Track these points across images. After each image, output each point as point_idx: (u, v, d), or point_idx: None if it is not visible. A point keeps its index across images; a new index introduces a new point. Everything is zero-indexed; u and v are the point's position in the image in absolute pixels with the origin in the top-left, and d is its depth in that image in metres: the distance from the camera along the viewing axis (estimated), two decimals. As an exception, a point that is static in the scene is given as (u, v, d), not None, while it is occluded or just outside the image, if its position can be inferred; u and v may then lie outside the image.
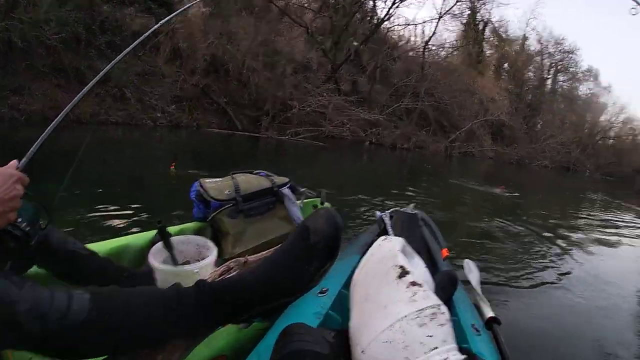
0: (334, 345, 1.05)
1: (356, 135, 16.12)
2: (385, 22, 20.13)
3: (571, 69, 36.57)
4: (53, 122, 1.28)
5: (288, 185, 2.51)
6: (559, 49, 34.46)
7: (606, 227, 8.11)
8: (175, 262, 1.63)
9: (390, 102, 19.39)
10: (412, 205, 2.85)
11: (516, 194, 10.09)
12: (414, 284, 1.10)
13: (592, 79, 39.02)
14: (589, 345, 2.87)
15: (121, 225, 3.47)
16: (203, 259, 1.68)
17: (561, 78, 37.15)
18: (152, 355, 0.97)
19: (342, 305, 1.34)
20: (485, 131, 23.85)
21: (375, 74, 19.23)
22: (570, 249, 5.52)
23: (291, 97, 14.66)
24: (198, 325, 1.01)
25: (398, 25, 22.34)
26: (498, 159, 23.45)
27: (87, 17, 10.85)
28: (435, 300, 1.06)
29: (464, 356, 0.97)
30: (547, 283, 3.97)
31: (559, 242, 5.90)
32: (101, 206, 3.85)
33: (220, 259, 1.94)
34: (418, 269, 1.39)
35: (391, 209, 2.55)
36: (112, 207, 3.87)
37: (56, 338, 0.86)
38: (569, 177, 26.84)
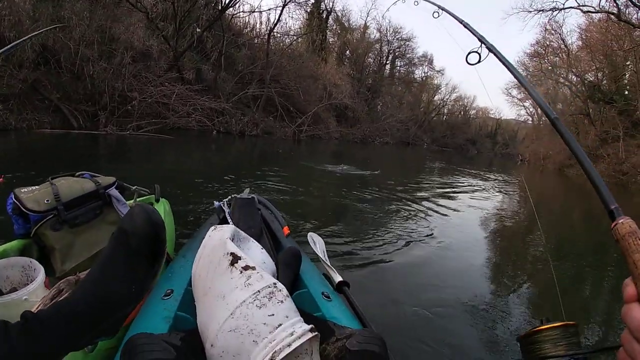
0: (183, 347, 1.02)
1: (203, 125, 15.87)
2: (230, 9, 20.01)
3: (408, 55, 40.23)
4: None
5: (115, 185, 2.28)
6: (397, 37, 37.62)
7: (445, 189, 9.58)
8: None
9: (236, 89, 19.44)
10: (247, 190, 2.84)
11: (362, 170, 11.02)
12: (246, 268, 1.11)
13: (427, 63, 43.35)
14: (434, 297, 3.16)
15: None
16: (32, 281, 1.54)
17: (399, 63, 40.66)
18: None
19: (190, 303, 1.28)
20: (330, 114, 25.25)
21: (220, 61, 19.06)
22: (414, 212, 6.27)
23: (131, 88, 13.73)
24: None
25: (243, 12, 22.31)
26: (343, 139, 25.22)
27: None
28: (269, 279, 1.08)
29: (310, 326, 1.00)
30: (392, 244, 4.41)
31: (403, 206, 6.65)
32: None
33: (52, 278, 1.80)
34: (252, 252, 1.46)
35: (228, 197, 2.57)
36: None
37: None
38: (409, 150, 29.68)
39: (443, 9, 2.26)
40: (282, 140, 18.82)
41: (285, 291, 1.08)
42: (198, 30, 18.67)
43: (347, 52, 34.08)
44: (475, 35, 1.64)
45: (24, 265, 1.66)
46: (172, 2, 16.71)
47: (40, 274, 1.58)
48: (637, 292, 0.48)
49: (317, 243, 2.99)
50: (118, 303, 1.03)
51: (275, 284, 1.08)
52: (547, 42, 28.82)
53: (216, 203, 2.53)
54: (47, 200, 1.92)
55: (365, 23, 35.49)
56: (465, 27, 1.85)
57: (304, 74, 23.11)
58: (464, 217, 6.57)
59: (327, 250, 2.99)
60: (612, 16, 21.40)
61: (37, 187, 2.02)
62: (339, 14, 32.23)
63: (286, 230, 2.33)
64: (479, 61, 1.53)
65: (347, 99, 26.28)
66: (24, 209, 1.88)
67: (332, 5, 29.95)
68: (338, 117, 26.94)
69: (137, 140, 11.93)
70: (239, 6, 21.31)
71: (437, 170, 14.40)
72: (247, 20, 23.82)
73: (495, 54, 1.48)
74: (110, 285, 1.02)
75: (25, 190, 1.96)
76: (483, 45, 1.52)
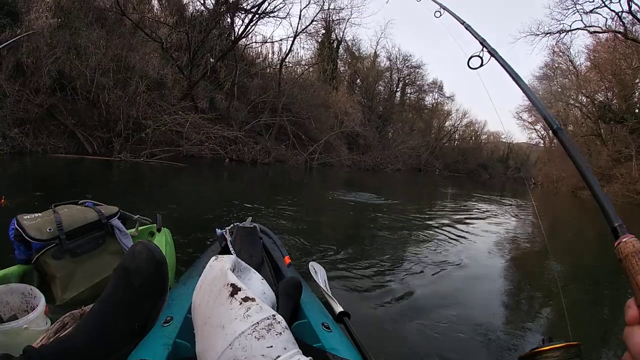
0: None
1: (216, 153, 15.90)
2: (243, 39, 20.25)
3: (418, 82, 40.68)
4: None
5: (118, 216, 2.29)
6: (407, 64, 38.14)
7: (456, 215, 9.30)
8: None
9: (249, 118, 19.56)
10: (249, 218, 2.80)
11: (373, 197, 10.90)
12: (246, 299, 1.11)
13: (436, 89, 43.72)
14: (439, 328, 3.01)
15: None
16: (33, 309, 1.54)
17: (409, 90, 41.00)
18: None
19: (190, 331, 1.27)
20: (341, 142, 25.33)
21: (233, 90, 19.28)
22: (422, 241, 6.07)
23: (145, 116, 13.90)
24: None
25: (255, 42, 22.69)
26: (355, 167, 25.17)
27: None
28: (268, 311, 1.09)
29: (309, 358, 1.00)
30: (396, 273, 4.28)
31: (410, 234, 6.47)
32: None
33: (53, 306, 1.81)
34: (252, 283, 1.45)
35: (231, 225, 2.55)
36: None
37: None
38: (421, 176, 29.56)
39: (445, 9, 2.26)
40: (294, 168, 18.81)
41: (284, 323, 1.07)
42: (212, 60, 18.89)
43: (358, 80, 34.49)
44: (476, 38, 1.62)
45: (24, 292, 1.64)
46: (187, 32, 16.93)
47: (41, 303, 1.56)
48: None
49: (318, 272, 2.97)
50: (120, 341, 1.02)
51: (274, 315, 1.07)
52: (556, 65, 28.94)
53: (218, 231, 2.52)
54: (49, 229, 1.93)
55: (375, 51, 36.01)
56: (466, 28, 1.84)
57: (316, 103, 23.30)
58: (474, 244, 6.29)
59: (328, 280, 2.93)
60: (619, 35, 21.46)
61: (39, 214, 2.02)
62: (349, 43, 32.72)
63: (287, 259, 2.32)
64: (482, 65, 1.52)
65: (358, 127, 26.47)
66: (26, 237, 1.88)
67: (343, 35, 30.38)
68: (349, 145, 27.04)
69: (150, 167, 11.95)
70: (251, 37, 21.69)
71: (448, 196, 14.28)
72: (259, 51, 24.27)
73: (496, 58, 1.45)
74: (113, 324, 1.02)
75: (28, 217, 1.97)
76: (485, 48, 1.50)
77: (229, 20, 20.12)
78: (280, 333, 1.03)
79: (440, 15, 2.30)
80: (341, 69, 32.48)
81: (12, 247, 1.96)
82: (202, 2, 19.42)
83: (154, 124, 13.95)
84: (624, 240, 0.56)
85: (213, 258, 1.35)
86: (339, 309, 2.12)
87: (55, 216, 2.00)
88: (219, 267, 1.27)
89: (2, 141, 10.23)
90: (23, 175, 8.29)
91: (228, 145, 16.76)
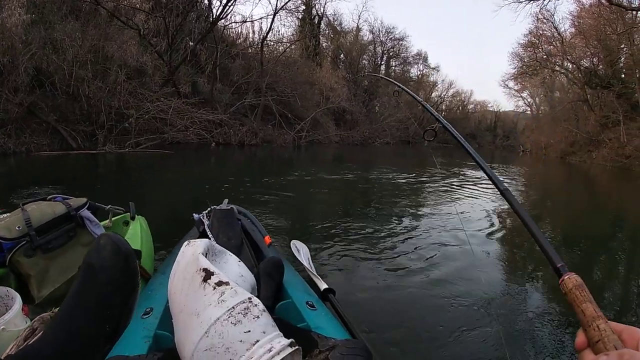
0: None
1: (202, 138, 15.85)
2: (222, 20, 19.97)
3: (402, 54, 40.15)
4: None
5: (87, 206, 2.25)
6: (390, 37, 37.65)
7: (446, 185, 9.39)
8: None
9: (233, 100, 19.43)
10: (226, 200, 2.77)
11: (361, 172, 11.03)
12: (220, 284, 1.06)
13: (421, 61, 43.29)
14: (429, 302, 3.02)
15: None
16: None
17: (394, 63, 40.68)
18: None
19: (171, 321, 1.20)
20: (328, 119, 25.28)
21: (215, 73, 19.12)
22: (411, 213, 6.15)
23: (127, 105, 13.74)
24: None
25: (234, 22, 22.30)
26: (343, 142, 25.14)
27: None
28: (244, 295, 1.04)
29: (289, 340, 0.97)
30: (384, 247, 4.28)
31: (398, 207, 6.56)
32: None
33: (32, 306, 1.82)
34: (229, 266, 1.41)
35: (207, 209, 2.51)
36: None
37: None
38: (410, 149, 29.46)
39: (403, 89, 2.41)
40: (282, 148, 18.83)
41: (261, 306, 1.04)
42: (191, 43, 18.61)
43: (342, 55, 34.18)
44: (433, 115, 1.83)
45: (1, 294, 1.63)
46: (164, 17, 16.63)
47: (17, 302, 1.55)
48: (587, 339, 0.54)
49: (300, 250, 2.98)
50: (90, 345, 0.96)
51: (250, 298, 1.03)
52: (540, 32, 28.80)
53: (195, 215, 2.49)
54: (18, 227, 1.91)
55: (358, 25, 35.71)
56: (423, 107, 2.06)
57: (300, 80, 23.16)
58: (462, 214, 6.32)
59: (312, 258, 2.95)
60: (603, 1, 21.36)
61: (7, 214, 2.01)
62: (331, 18, 32.35)
63: (267, 239, 2.26)
64: (435, 137, 1.78)
65: (344, 102, 26.37)
66: None
67: (323, 10, 30.08)
68: (337, 121, 27.00)
69: (136, 157, 11.94)
70: (230, 17, 21.31)
71: (438, 167, 14.33)
72: (239, 31, 23.90)
73: (449, 130, 1.65)
74: (81, 327, 0.95)
75: None
76: (439, 123, 1.72)
77: (206, 1, 19.96)
78: (258, 316, 1.00)
79: (400, 94, 2.50)
80: (324, 44, 32.15)
81: None
82: (178, -16, 18.85)
83: (136, 112, 13.82)
84: (566, 277, 0.64)
85: (185, 243, 1.30)
86: (323, 285, 2.10)
87: (24, 214, 1.97)
88: (191, 252, 1.22)
89: None
90: (7, 177, 8.21)
91: (214, 129, 16.69)
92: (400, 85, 2.41)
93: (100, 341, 0.97)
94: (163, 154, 12.65)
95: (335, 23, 33.42)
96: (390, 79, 2.76)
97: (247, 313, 0.99)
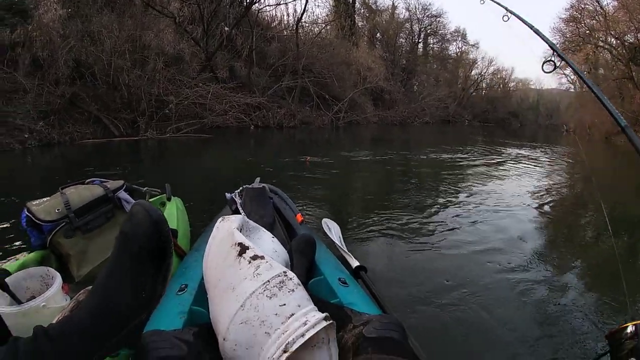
0: (195, 344, 1.02)
1: (241, 121, 15.95)
2: (255, 4, 19.94)
3: (440, 31, 39.27)
4: None
5: (124, 188, 2.32)
6: (427, 14, 36.75)
7: (488, 166, 9.00)
8: (17, 300, 1.51)
9: (270, 83, 19.40)
10: (257, 179, 2.83)
11: (399, 152, 10.81)
12: (255, 257, 1.09)
13: (460, 38, 42.12)
14: (454, 280, 2.94)
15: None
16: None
17: (431, 41, 39.76)
18: None
19: (205, 297, 1.25)
20: (366, 99, 24.94)
21: (252, 57, 19.09)
22: (450, 193, 5.97)
23: (167, 92, 13.96)
24: None
25: (268, 5, 22.26)
26: (382, 123, 24.78)
27: None
28: (279, 268, 1.06)
29: (324, 314, 0.97)
30: (417, 227, 4.19)
31: (436, 187, 6.40)
32: None
33: (72, 284, 1.88)
34: (262, 242, 1.44)
35: (239, 188, 2.56)
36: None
37: None
38: (450, 128, 28.95)
39: (512, 13, 2.25)
40: (320, 129, 18.69)
41: (296, 279, 1.05)
42: (226, 29, 18.66)
43: (378, 34, 33.57)
44: (546, 42, 1.70)
45: (42, 274, 1.68)
46: (198, 4, 16.80)
47: (57, 280, 1.60)
48: None
49: (332, 229, 2.96)
50: (126, 314, 0.95)
51: (285, 272, 1.05)
52: (582, 6, 27.34)
53: (228, 195, 2.54)
54: (57, 210, 1.98)
55: (393, 3, 34.85)
56: (535, 33, 1.90)
57: (337, 61, 22.81)
58: (509, 195, 5.97)
59: (344, 236, 2.90)
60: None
61: (47, 198, 2.07)
62: (365, -4, 31.75)
63: (299, 217, 2.31)
64: (555, 68, 1.59)
65: (382, 82, 25.87)
66: (36, 220, 1.93)
67: (358, -12, 29.50)
68: (375, 101, 26.58)
69: (177, 141, 12.14)
70: (264, 0, 21.27)
71: (478, 145, 13.87)
72: (274, 14, 23.78)
73: (566, 61, 1.54)
74: (116, 296, 0.94)
75: (36, 202, 2.01)
76: (555, 52, 1.57)
77: (239, -15, 19.74)
78: (293, 290, 1.01)
79: (508, 19, 2.31)
80: (359, 24, 31.56)
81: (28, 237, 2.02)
82: (210, -30, 18.98)
83: (176, 99, 13.99)
84: None
85: (220, 219, 1.34)
86: (355, 263, 2.11)
87: (63, 197, 2.04)
88: (226, 228, 1.25)
89: (30, 135, 10.33)
90: (52, 165, 8.52)
91: (252, 112, 16.76)
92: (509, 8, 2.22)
93: (135, 308, 0.96)
94: (203, 138, 12.79)
95: (371, 2, 32.82)
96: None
97: (282, 286, 1.01)
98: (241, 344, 0.97)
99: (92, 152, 9.96)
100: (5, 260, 1.89)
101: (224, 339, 1.00)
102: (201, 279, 1.38)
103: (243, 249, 1.12)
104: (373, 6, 33.08)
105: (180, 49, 15.95)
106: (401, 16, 35.68)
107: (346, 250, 2.32)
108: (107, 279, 0.96)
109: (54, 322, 1.05)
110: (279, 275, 1.03)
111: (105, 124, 12.13)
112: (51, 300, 1.48)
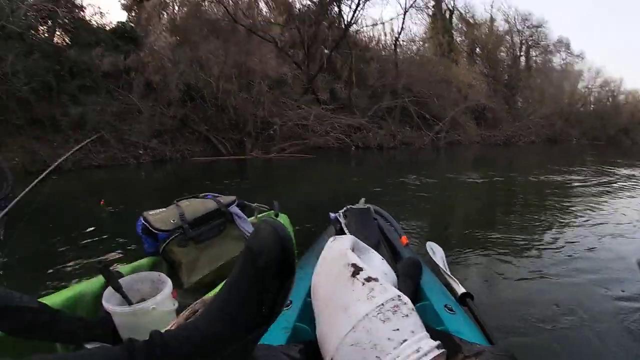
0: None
1: (342, 142, 16.06)
2: (353, 26, 20.13)
3: (542, 42, 36.91)
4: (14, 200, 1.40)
5: (236, 203, 2.45)
6: (527, 24, 34.81)
7: (596, 189, 8.16)
8: (128, 301, 1.59)
9: (370, 104, 19.30)
10: (362, 200, 2.79)
11: (501, 174, 10.25)
12: (369, 279, 1.06)
13: (563, 48, 39.36)
14: (566, 310, 2.78)
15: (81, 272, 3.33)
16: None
17: (534, 53, 37.51)
18: None
19: (309, 315, 1.27)
20: (468, 117, 23.97)
21: (352, 78, 19.15)
22: (564, 219, 5.50)
23: (271, 114, 14.57)
24: None
25: (366, 26, 22.46)
26: (485, 142, 23.61)
27: (54, 64, 10.68)
28: (394, 292, 1.03)
29: (436, 342, 0.95)
30: (524, 255, 3.96)
31: (548, 212, 5.89)
32: (70, 255, 3.79)
33: (181, 291, 1.98)
34: (373, 263, 1.39)
35: (344, 208, 2.53)
36: (78, 254, 3.79)
37: None
38: (556, 148, 27.00)
39: None
40: (420, 150, 18.17)
41: (410, 304, 1.03)
42: (326, 51, 19.10)
43: (477, 49, 32.51)
44: None
45: (153, 279, 1.79)
46: (298, 28, 17.62)
47: (168, 285, 1.69)
48: None
49: (436, 252, 2.86)
50: (246, 327, 0.94)
51: (399, 296, 1.03)
52: None
53: (332, 215, 2.54)
54: (173, 220, 2.15)
55: (491, 15, 33.54)
56: None
57: (436, 79, 22.15)
58: (627, 221, 5.35)
59: (447, 261, 2.77)
60: None
61: (163, 209, 2.26)
62: (462, 11, 30.79)
63: (404, 239, 2.32)
64: None
65: (484, 99, 24.83)
66: (152, 229, 2.10)
67: (454, 3, 28.70)
68: (477, 120, 25.44)
69: (281, 161, 12.74)
70: (361, 22, 21.47)
71: (589, 166, 12.61)
72: (372, 34, 23.81)
73: None
74: (237, 308, 0.94)
75: (153, 212, 2.20)
76: None
77: (336, 9, 20.12)
78: (407, 315, 0.99)
79: None
80: (458, 39, 30.70)
81: (142, 243, 2.22)
82: (306, -4, 19.85)
83: (280, 120, 14.57)
84: None
85: (331, 239, 1.34)
86: (460, 289, 2.02)
87: (178, 209, 2.22)
88: (338, 248, 1.25)
89: (144, 152, 11.43)
90: (165, 179, 9.42)
91: (353, 132, 16.80)
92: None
93: (255, 323, 0.94)
94: (305, 158, 13.13)
95: (468, 15, 31.80)
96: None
97: (396, 311, 0.99)
98: None
99: (201, 169, 10.79)
100: (119, 264, 2.08)
101: (331, 359, 0.99)
102: (305, 296, 1.43)
103: (357, 269, 1.10)
104: (470, 20, 32.07)
105: (283, 72, 16.61)
106: (500, 28, 34.17)
107: (451, 275, 2.17)
108: (230, 291, 0.96)
109: (167, 328, 1.08)
110: (393, 299, 1.01)
111: (214, 143, 13.07)
112: (160, 303, 1.55)
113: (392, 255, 2.21)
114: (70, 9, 12.34)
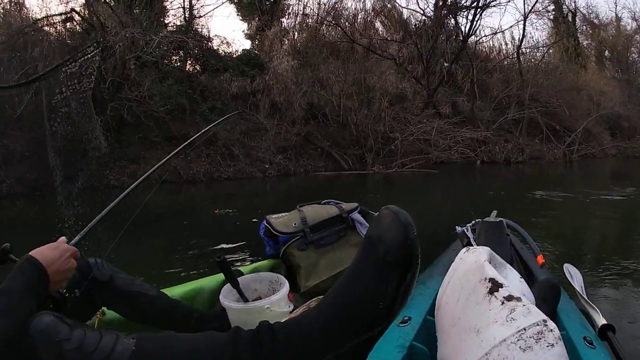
0: None
1: (466, 156, 15.58)
2: (472, 37, 19.62)
3: (678, 37, 33.10)
4: (111, 204, 1.48)
5: (358, 210, 2.41)
6: (658, 19, 31.44)
7: None
8: (244, 299, 1.65)
9: (494, 116, 18.55)
10: (494, 212, 2.60)
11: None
12: (509, 298, 0.95)
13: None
14: None
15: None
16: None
17: (671, 51, 33.74)
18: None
19: (428, 334, 1.20)
20: (601, 128, 22.00)
21: (474, 90, 18.49)
22: None
23: (392, 129, 14.69)
24: None
25: (485, 36, 21.70)
26: (621, 155, 21.45)
27: (187, 88, 12.05)
28: (539, 315, 0.90)
29: None
30: None
31: None
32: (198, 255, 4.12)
33: (297, 294, 1.99)
34: (510, 281, 1.23)
35: (472, 222, 2.36)
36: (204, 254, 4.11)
37: None
38: None
39: None
40: (551, 164, 16.96)
41: (557, 332, 0.86)
42: (445, 64, 18.75)
43: (606, 52, 29.96)
44: None
45: (271, 279, 1.85)
46: (415, 44, 17.52)
47: (285, 286, 1.71)
48: None
49: (574, 276, 2.41)
50: (361, 322, 0.93)
51: (545, 321, 0.87)
52: None
53: (458, 228, 2.38)
54: (294, 224, 2.18)
55: (616, 14, 30.73)
56: None
57: (565, 87, 20.58)
58: None
59: (585, 287, 2.36)
60: None
61: (286, 213, 2.31)
62: (585, 12, 28.54)
63: (540, 259, 2.06)
64: None
65: (618, 107, 22.66)
66: (274, 232, 2.15)
67: (575, 4, 26.68)
68: (611, 130, 23.23)
69: (402, 176, 12.81)
70: (480, 32, 20.78)
71: None
72: (492, 44, 23.01)
73: None
74: (352, 303, 0.94)
75: (276, 216, 2.27)
76: None
77: (452, 21, 19.88)
78: (552, 345, 0.83)
79: None
80: (584, 43, 28.52)
81: (263, 247, 2.30)
82: (422, 12, 19.76)
83: (401, 135, 14.58)
84: None
85: (464, 250, 1.25)
86: (601, 321, 1.69)
87: (300, 213, 2.25)
88: (473, 260, 1.13)
89: (270, 166, 12.40)
90: (289, 190, 10.43)
91: (477, 147, 16.24)
92: None
93: (371, 317, 0.94)
94: (428, 173, 12.97)
95: (592, 16, 29.46)
96: None
97: (540, 338, 0.84)
98: None
99: (323, 183, 11.38)
100: (241, 264, 2.08)
101: None
102: (425, 314, 1.32)
103: (495, 285, 0.98)
104: (595, 21, 29.69)
105: (403, 87, 16.64)
106: (628, 27, 31.19)
107: (591, 303, 1.81)
108: (346, 284, 0.98)
109: (283, 320, 1.14)
110: (537, 324, 0.85)
111: (336, 158, 13.56)
112: (276, 304, 1.59)
113: (526, 276, 1.98)
114: (199, 41, 14.03)
